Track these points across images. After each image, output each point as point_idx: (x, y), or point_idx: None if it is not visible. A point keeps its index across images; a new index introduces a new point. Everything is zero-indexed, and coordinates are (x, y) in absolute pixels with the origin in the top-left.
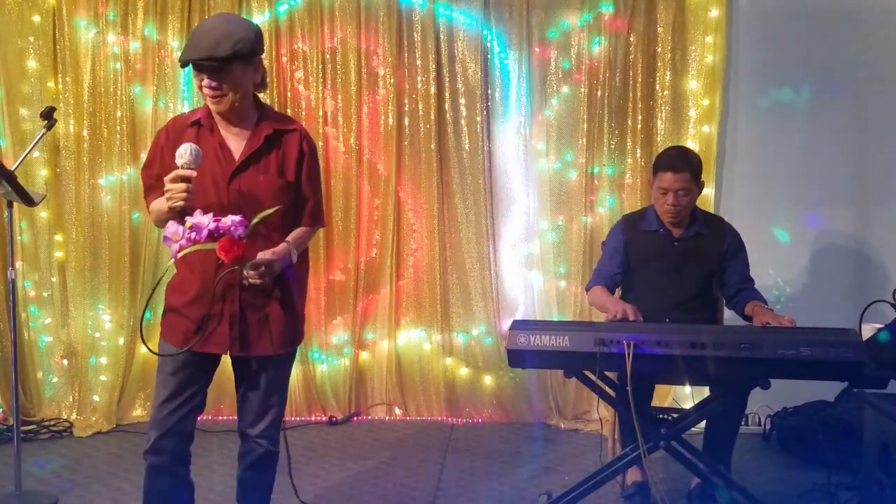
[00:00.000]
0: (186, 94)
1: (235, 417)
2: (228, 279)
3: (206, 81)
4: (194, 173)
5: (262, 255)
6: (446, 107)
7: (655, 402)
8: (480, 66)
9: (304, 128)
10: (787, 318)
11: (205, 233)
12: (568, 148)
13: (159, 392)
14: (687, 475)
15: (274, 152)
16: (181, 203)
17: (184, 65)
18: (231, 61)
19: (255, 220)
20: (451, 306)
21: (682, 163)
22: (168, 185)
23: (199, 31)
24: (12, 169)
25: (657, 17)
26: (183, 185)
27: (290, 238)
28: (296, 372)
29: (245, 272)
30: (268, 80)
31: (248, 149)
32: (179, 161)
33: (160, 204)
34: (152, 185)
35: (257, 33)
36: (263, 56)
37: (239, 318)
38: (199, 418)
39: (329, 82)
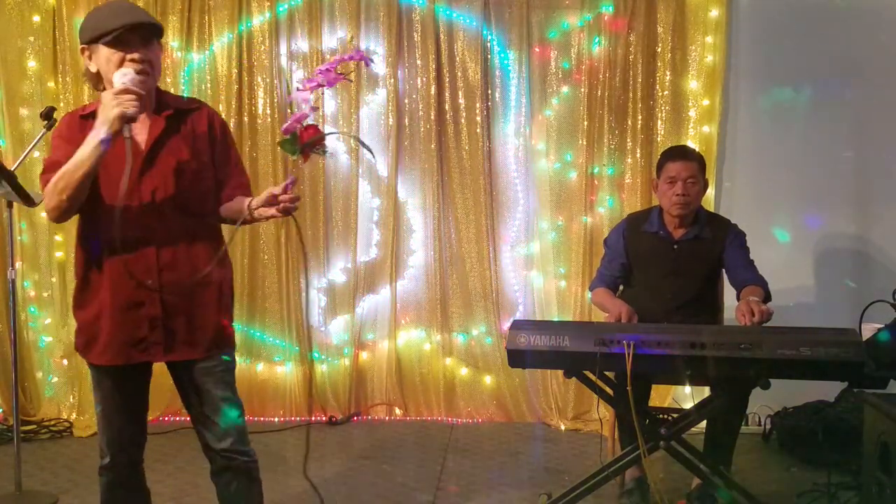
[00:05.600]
0: (186, 94)
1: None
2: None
3: (137, 55)
4: (141, 91)
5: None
6: (446, 107)
7: (655, 402)
8: (480, 66)
9: (210, 106)
10: (764, 307)
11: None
12: (568, 148)
13: (101, 415)
14: (687, 475)
15: (180, 134)
16: (133, 109)
17: (116, 32)
18: (158, 34)
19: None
20: (451, 306)
21: (688, 152)
22: (111, 96)
23: (112, 6)
24: (12, 169)
25: (657, 17)
26: (132, 94)
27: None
28: (296, 372)
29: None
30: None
31: (152, 135)
32: (123, 79)
33: (79, 154)
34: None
35: None
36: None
37: (162, 320)
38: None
39: None
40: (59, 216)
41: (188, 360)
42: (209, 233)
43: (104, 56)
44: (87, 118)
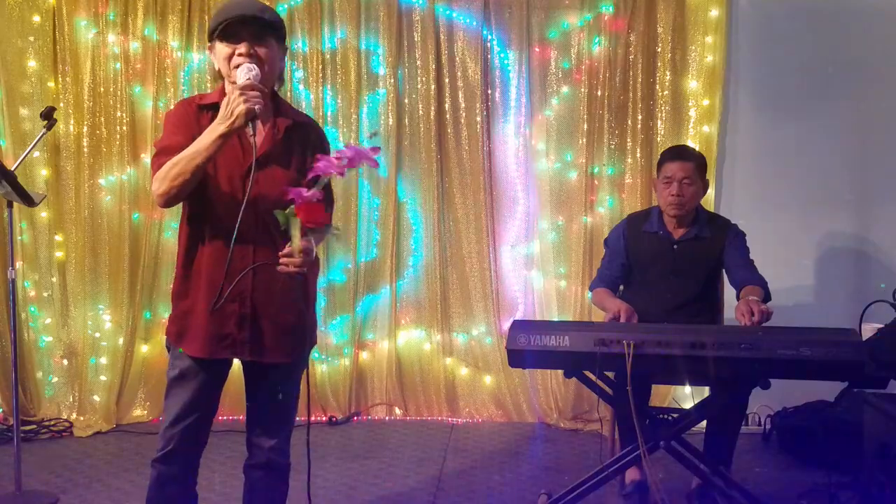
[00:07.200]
0: (186, 94)
1: (236, 418)
2: (242, 279)
3: (244, 48)
4: (265, 88)
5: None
6: (446, 107)
7: (655, 402)
8: (480, 66)
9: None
10: (764, 307)
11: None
12: (568, 148)
13: (173, 404)
14: (687, 475)
15: (293, 146)
16: (259, 105)
17: (225, 24)
18: (273, 30)
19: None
20: (451, 306)
21: (686, 153)
22: (237, 94)
23: (234, 1)
24: (12, 169)
25: (657, 17)
26: (258, 91)
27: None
28: None
29: (284, 258)
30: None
31: (268, 140)
32: (248, 74)
33: (197, 144)
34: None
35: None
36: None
37: (251, 320)
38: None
39: (329, 82)
40: (167, 202)
41: (271, 362)
42: None
43: (218, 50)
44: (205, 109)
